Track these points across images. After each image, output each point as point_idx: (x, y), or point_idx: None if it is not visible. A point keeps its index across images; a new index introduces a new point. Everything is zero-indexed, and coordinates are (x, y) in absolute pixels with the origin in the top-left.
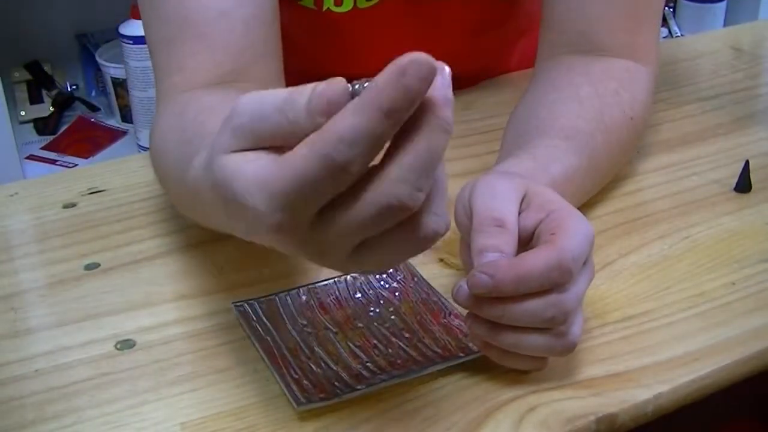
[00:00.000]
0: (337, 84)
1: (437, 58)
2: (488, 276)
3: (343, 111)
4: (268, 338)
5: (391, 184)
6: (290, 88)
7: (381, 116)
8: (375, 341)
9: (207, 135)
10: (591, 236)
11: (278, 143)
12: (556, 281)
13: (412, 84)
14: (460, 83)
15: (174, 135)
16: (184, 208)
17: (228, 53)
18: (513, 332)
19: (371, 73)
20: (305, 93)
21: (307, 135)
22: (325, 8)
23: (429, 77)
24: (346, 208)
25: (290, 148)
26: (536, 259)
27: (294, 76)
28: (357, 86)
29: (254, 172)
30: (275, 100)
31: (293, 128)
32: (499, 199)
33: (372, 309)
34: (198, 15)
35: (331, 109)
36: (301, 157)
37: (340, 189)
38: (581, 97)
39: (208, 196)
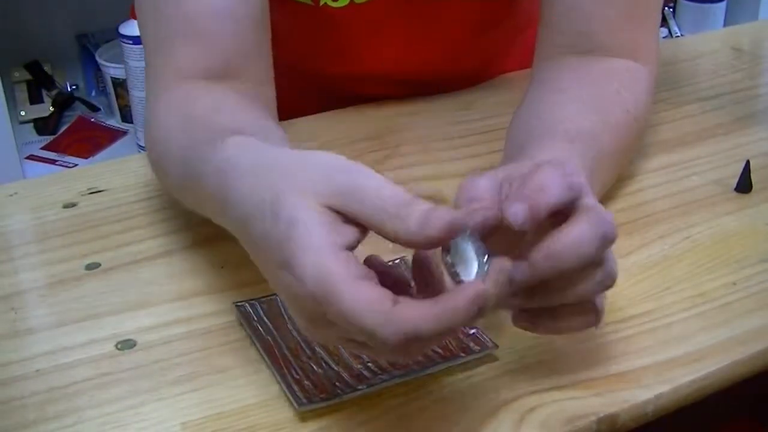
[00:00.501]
0: (457, 219)
1: (435, 56)
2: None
3: (453, 302)
4: (269, 338)
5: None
6: (402, 189)
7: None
8: None
9: (220, 130)
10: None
11: (364, 224)
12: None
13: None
14: (459, 82)
15: (178, 131)
16: (182, 196)
17: (220, 54)
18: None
19: (368, 72)
20: (419, 204)
21: (395, 238)
22: (321, 3)
23: None
24: None
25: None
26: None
27: (294, 73)
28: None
29: (336, 270)
30: (394, 193)
31: (393, 227)
32: (479, 179)
33: None
34: (192, 16)
35: (441, 238)
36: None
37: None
38: (584, 98)
39: (234, 195)
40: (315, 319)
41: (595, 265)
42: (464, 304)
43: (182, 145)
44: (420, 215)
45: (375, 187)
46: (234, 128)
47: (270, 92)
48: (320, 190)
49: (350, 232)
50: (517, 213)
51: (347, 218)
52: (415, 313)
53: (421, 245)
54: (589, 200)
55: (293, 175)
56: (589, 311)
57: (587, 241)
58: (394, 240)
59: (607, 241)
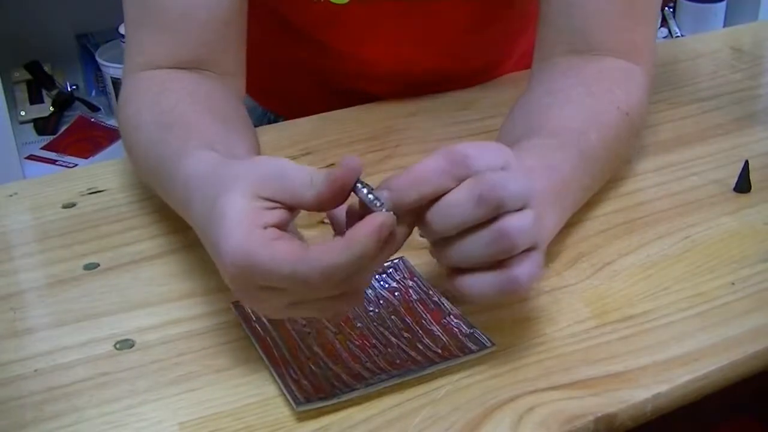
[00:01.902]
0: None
1: (435, 55)
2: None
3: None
4: (268, 338)
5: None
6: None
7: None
8: (374, 341)
9: (190, 143)
10: (492, 144)
11: (289, 203)
12: (453, 172)
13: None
14: (460, 81)
15: (150, 124)
16: (150, 185)
17: (187, 48)
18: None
19: (368, 69)
20: (321, 171)
21: (315, 201)
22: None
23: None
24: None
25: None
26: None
27: (296, 69)
28: (367, 193)
29: (251, 243)
30: (305, 170)
31: (308, 194)
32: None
33: (371, 309)
34: (163, 12)
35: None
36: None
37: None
38: (573, 98)
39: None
40: (255, 291)
41: (480, 227)
42: (367, 231)
43: (153, 139)
44: (322, 174)
45: (290, 169)
46: (202, 142)
47: (239, 82)
48: (250, 183)
49: (271, 214)
50: (384, 197)
51: (276, 202)
52: (325, 248)
53: (331, 196)
54: (487, 170)
55: (232, 179)
56: (501, 276)
57: (458, 204)
58: (314, 202)
59: (483, 202)
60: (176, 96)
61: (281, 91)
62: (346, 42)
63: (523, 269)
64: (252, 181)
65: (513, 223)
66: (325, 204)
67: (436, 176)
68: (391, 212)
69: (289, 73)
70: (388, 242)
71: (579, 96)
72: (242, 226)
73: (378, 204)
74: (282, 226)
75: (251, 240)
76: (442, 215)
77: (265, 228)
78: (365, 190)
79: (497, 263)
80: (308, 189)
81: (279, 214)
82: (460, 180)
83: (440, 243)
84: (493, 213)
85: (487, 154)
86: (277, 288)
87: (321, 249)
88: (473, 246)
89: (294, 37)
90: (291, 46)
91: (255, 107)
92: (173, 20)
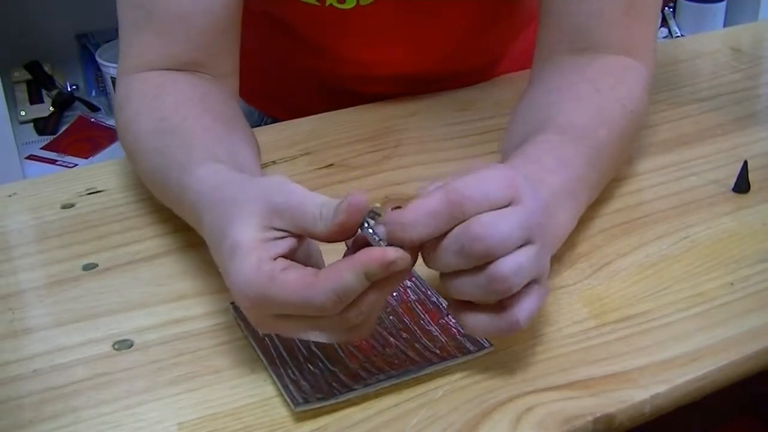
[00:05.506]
0: (356, 199)
1: (438, 55)
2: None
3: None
4: (266, 339)
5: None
6: (321, 197)
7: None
8: (373, 341)
9: (197, 139)
10: (500, 176)
11: (299, 233)
12: (453, 215)
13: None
14: (461, 79)
15: (151, 122)
16: (154, 192)
17: (184, 51)
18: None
19: (372, 71)
20: (331, 203)
21: (323, 236)
22: (327, 4)
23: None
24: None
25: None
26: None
27: (297, 71)
28: (370, 224)
29: (262, 280)
30: (313, 203)
31: (317, 228)
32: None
33: None
34: (160, 14)
35: (350, 219)
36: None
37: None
38: (579, 95)
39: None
40: (271, 320)
41: (474, 270)
42: (378, 255)
43: (155, 148)
44: (331, 208)
45: (300, 202)
46: (207, 154)
47: (233, 82)
48: (259, 214)
49: (280, 244)
50: (383, 233)
51: (284, 230)
52: (333, 271)
53: (340, 232)
54: (483, 210)
55: (240, 206)
56: (498, 319)
57: (444, 252)
58: (324, 237)
59: (465, 255)
60: (174, 100)
61: (280, 94)
62: (348, 45)
63: (521, 309)
64: (261, 212)
65: (505, 267)
66: (333, 238)
67: (433, 220)
68: (404, 252)
69: (287, 77)
70: (396, 275)
71: (586, 93)
72: (251, 261)
73: (380, 242)
74: (291, 254)
75: (261, 274)
76: (434, 259)
77: (275, 259)
78: (370, 230)
79: (496, 302)
80: (317, 222)
81: (288, 243)
82: (455, 223)
83: (442, 275)
84: (481, 261)
85: (489, 189)
86: (292, 315)
87: (328, 273)
88: (468, 287)
89: (293, 41)
90: (290, 50)
91: (251, 112)
92: (170, 24)
